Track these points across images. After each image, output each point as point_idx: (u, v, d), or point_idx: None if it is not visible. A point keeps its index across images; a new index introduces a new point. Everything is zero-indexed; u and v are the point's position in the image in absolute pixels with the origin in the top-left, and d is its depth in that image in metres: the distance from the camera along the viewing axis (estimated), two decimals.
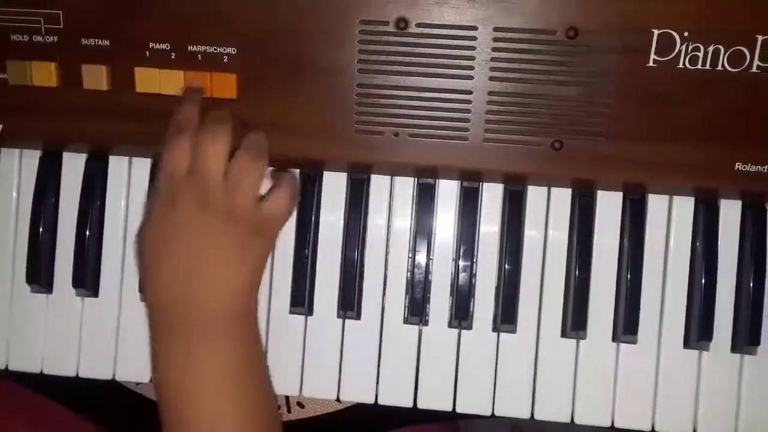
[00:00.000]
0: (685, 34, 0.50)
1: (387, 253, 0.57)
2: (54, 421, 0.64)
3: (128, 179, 0.59)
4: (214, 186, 0.50)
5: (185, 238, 0.50)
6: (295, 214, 0.57)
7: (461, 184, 0.57)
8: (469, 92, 0.53)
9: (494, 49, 0.52)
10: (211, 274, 0.50)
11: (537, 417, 0.57)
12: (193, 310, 0.50)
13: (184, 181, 0.50)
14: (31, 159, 0.59)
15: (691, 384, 0.55)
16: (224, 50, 0.53)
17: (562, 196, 0.56)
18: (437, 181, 0.57)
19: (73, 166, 0.59)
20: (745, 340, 0.54)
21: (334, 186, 0.58)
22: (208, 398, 0.50)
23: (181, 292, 0.50)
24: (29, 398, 0.63)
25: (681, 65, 0.51)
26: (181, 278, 0.50)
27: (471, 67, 0.53)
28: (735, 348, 0.55)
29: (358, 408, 0.60)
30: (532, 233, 0.57)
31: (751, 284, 0.54)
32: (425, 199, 0.57)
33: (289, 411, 0.62)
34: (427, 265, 0.57)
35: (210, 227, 0.50)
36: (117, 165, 0.59)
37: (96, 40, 0.54)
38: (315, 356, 0.58)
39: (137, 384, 0.61)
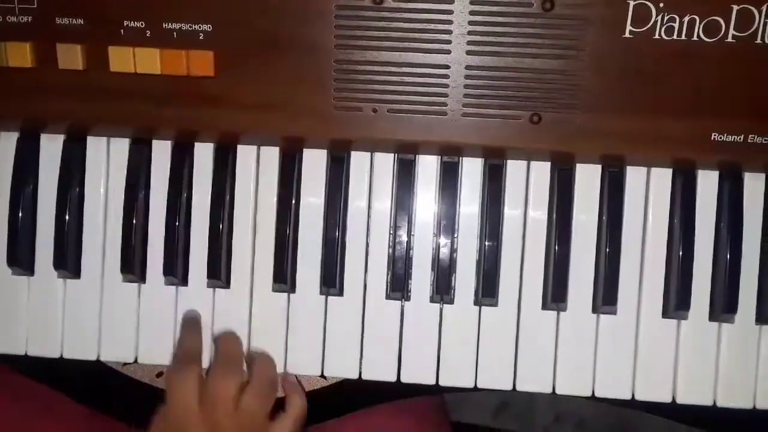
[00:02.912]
0: (661, 4, 0.51)
1: (368, 230, 0.58)
2: (41, 402, 0.64)
3: (107, 159, 0.58)
4: (226, 419, 0.52)
5: None
6: (276, 192, 0.57)
7: (441, 159, 0.57)
8: (447, 66, 0.53)
9: (471, 23, 0.52)
10: None
11: (519, 388, 0.57)
12: None
13: (196, 414, 0.53)
14: (8, 141, 0.59)
15: (670, 353, 0.56)
16: (200, 27, 0.53)
17: (542, 170, 0.57)
18: (417, 156, 0.57)
19: (52, 147, 0.58)
20: (722, 308, 0.55)
21: (314, 164, 0.57)
22: None
23: None
24: (13, 380, 0.63)
25: (657, 36, 0.51)
26: None
27: (448, 41, 0.53)
28: (713, 316, 0.56)
29: (344, 384, 0.60)
30: (511, 207, 0.57)
31: (728, 253, 0.54)
32: (405, 175, 0.57)
33: None
34: (408, 240, 0.57)
35: None
36: (95, 145, 0.58)
37: (70, 19, 0.53)
38: (299, 333, 0.58)
39: (123, 365, 0.61)
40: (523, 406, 1.22)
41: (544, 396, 0.58)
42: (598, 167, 0.56)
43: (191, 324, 0.57)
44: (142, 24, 0.53)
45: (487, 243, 0.56)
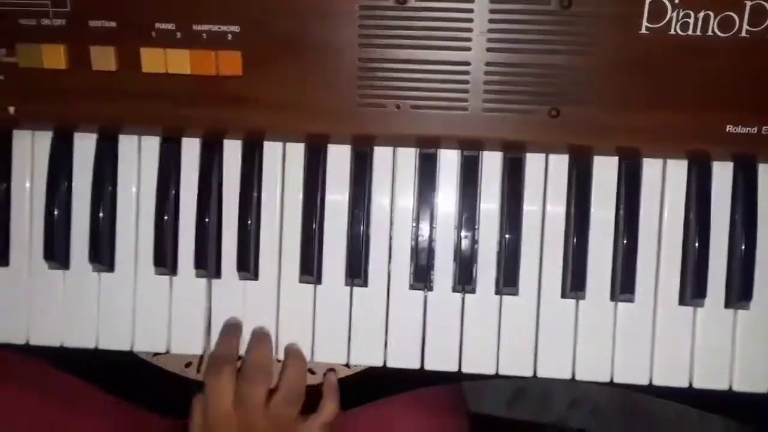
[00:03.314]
0: (676, 1, 0.52)
1: (391, 222, 0.59)
2: (68, 392, 0.67)
3: (138, 157, 0.60)
4: (258, 420, 0.56)
5: None
6: (301, 186, 0.59)
7: (462, 153, 0.59)
8: (468, 63, 0.55)
9: (491, 21, 0.54)
10: None
11: (539, 375, 0.59)
12: None
13: (231, 414, 0.56)
14: (43, 140, 0.60)
15: (686, 339, 0.58)
16: (228, 29, 0.55)
17: (560, 162, 0.58)
18: (438, 150, 0.59)
19: (85, 145, 0.60)
20: (737, 295, 0.56)
21: (338, 159, 0.59)
22: None
23: None
24: (43, 371, 0.65)
25: (672, 32, 0.53)
26: None
27: (468, 39, 0.54)
28: (728, 303, 0.57)
29: (365, 374, 0.62)
30: (531, 199, 0.58)
31: (743, 242, 0.56)
32: (427, 169, 0.59)
33: None
34: (431, 232, 0.59)
35: None
36: (127, 144, 0.60)
37: (103, 22, 0.55)
38: (325, 323, 0.60)
39: (153, 355, 0.64)
40: (537, 395, 1.24)
41: (559, 384, 0.59)
42: (615, 159, 0.58)
43: (232, 329, 0.60)
44: (172, 26, 0.55)
45: (507, 234, 0.58)
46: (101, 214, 0.60)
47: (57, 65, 0.56)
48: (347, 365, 0.62)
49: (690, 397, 0.59)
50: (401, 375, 0.60)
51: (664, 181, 0.58)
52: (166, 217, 0.59)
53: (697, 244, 0.56)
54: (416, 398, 0.66)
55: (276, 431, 0.57)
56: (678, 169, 0.57)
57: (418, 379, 0.61)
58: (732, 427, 1.11)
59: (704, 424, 1.18)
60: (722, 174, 0.57)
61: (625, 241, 0.57)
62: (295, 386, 0.59)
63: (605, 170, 0.58)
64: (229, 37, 0.55)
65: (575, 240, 0.57)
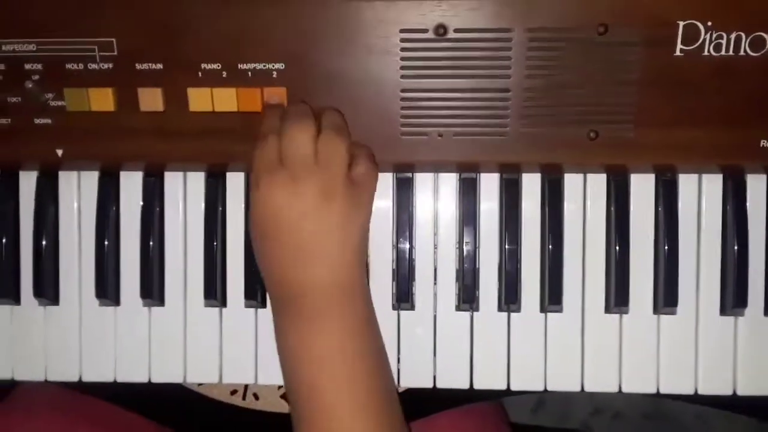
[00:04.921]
0: (709, 23, 0.54)
1: (436, 246, 0.61)
2: (119, 427, 0.67)
3: (184, 192, 0.61)
4: (307, 168, 0.52)
5: (289, 222, 0.52)
6: None
7: (501, 176, 0.60)
8: (507, 90, 0.56)
9: (529, 48, 0.55)
10: (321, 252, 0.53)
11: (587, 389, 0.60)
12: (309, 289, 0.52)
13: (278, 169, 0.53)
14: (89, 179, 0.62)
15: (728, 348, 0.59)
16: (273, 66, 0.56)
17: (598, 181, 0.60)
18: (479, 174, 0.60)
19: (130, 183, 0.61)
20: None
21: (381, 186, 0.60)
22: (326, 380, 0.52)
23: (295, 273, 0.53)
24: (94, 405, 0.66)
25: (706, 53, 0.54)
26: (291, 260, 0.53)
27: (508, 67, 0.56)
28: None
29: (406, 394, 0.63)
30: (571, 217, 0.60)
31: None
32: (468, 192, 0.60)
33: None
34: (475, 253, 0.60)
35: (310, 208, 0.52)
36: (172, 180, 0.61)
37: (150, 64, 0.57)
38: None
39: (199, 384, 0.65)
40: (560, 402, 1.25)
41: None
42: (652, 176, 0.59)
43: (273, 107, 0.57)
44: (218, 66, 0.56)
45: (550, 252, 0.59)
46: (151, 249, 0.61)
47: (105, 108, 0.57)
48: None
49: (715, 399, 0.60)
50: (444, 393, 0.61)
51: (701, 195, 0.59)
52: (215, 250, 0.60)
53: (736, 255, 0.58)
54: (460, 413, 0.66)
55: (328, 183, 0.53)
56: (713, 183, 0.59)
57: (461, 396, 0.62)
58: (758, 429, 1.13)
59: (729, 426, 1.20)
60: (757, 186, 0.59)
61: (666, 256, 0.58)
62: (336, 117, 0.56)
63: (642, 186, 0.59)
64: (274, 74, 0.56)
65: (617, 257, 0.59)
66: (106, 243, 0.61)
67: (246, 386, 0.65)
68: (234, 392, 0.65)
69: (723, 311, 0.59)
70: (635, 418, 1.25)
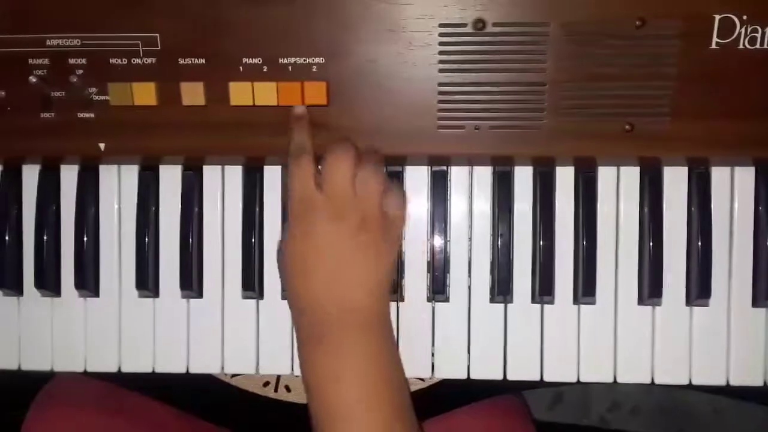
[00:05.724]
0: (744, 17, 0.55)
1: (470, 238, 0.62)
2: (154, 418, 0.68)
3: (222, 187, 0.62)
4: (346, 199, 0.55)
5: (325, 250, 0.55)
6: None
7: (535, 169, 0.61)
8: (543, 84, 0.57)
9: (566, 42, 0.56)
10: (352, 280, 0.55)
11: (619, 380, 0.61)
12: (337, 314, 0.55)
13: (316, 198, 0.55)
14: (129, 173, 0.63)
15: (761, 340, 0.60)
16: (313, 60, 0.57)
17: (631, 174, 0.60)
18: (513, 167, 0.61)
19: (170, 176, 0.62)
20: None
21: (416, 178, 0.61)
22: (350, 400, 0.54)
23: (327, 299, 0.55)
24: (129, 398, 0.67)
25: (741, 46, 0.55)
26: (324, 287, 0.55)
27: (544, 60, 0.57)
28: None
29: (436, 386, 0.64)
30: (604, 210, 0.61)
31: None
32: (503, 185, 0.61)
33: None
34: (509, 245, 0.61)
35: (347, 237, 0.55)
36: (210, 174, 0.62)
37: (192, 59, 0.58)
38: (412, 338, 0.62)
39: (232, 376, 0.65)
40: (577, 397, 1.26)
41: (598, 385, 0.61)
42: (685, 169, 0.60)
43: (300, 120, 0.59)
44: (259, 60, 0.57)
45: (584, 245, 0.60)
46: (190, 242, 0.62)
47: (148, 102, 0.58)
48: (422, 378, 0.64)
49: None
50: (472, 385, 0.62)
51: (733, 186, 0.60)
52: (253, 243, 0.61)
53: None
54: (482, 408, 0.67)
55: (364, 216, 0.55)
56: (746, 175, 0.60)
57: (488, 389, 0.63)
58: None
59: (744, 415, 1.20)
60: None
61: (699, 248, 0.59)
62: (374, 154, 0.57)
63: (675, 179, 0.60)
64: (314, 68, 0.57)
65: (651, 249, 0.59)
66: (146, 236, 0.62)
67: (278, 378, 0.66)
68: (266, 384, 0.66)
69: (755, 303, 0.60)
70: (653, 412, 1.25)
